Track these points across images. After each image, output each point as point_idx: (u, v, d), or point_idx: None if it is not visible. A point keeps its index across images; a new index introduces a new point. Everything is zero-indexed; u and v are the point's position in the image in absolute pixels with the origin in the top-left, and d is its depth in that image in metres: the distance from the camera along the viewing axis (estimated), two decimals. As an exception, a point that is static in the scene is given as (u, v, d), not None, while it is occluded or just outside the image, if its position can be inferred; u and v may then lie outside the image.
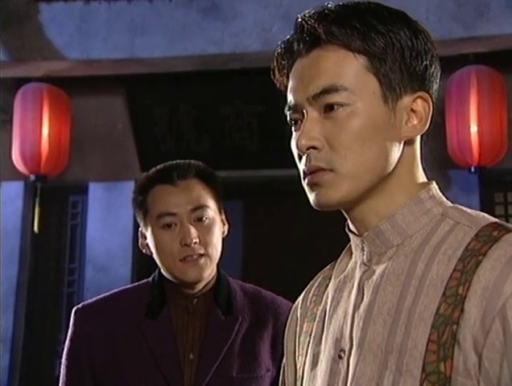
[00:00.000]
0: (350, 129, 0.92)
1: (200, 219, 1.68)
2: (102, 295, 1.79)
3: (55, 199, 4.78)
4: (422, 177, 1.00)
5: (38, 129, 4.22)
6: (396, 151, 0.95)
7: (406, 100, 0.95)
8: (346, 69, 0.93)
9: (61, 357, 1.73)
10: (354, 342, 0.94)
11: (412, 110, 0.95)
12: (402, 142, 0.96)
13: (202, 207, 1.68)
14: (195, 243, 1.65)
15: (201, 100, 4.46)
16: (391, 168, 0.95)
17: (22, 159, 4.23)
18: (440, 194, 0.99)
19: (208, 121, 4.49)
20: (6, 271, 4.56)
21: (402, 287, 0.92)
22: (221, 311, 1.72)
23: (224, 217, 1.77)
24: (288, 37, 0.99)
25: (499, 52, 3.88)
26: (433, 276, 0.90)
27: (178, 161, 1.76)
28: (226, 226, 1.78)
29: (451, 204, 0.98)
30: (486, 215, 0.96)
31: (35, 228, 4.37)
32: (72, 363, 1.70)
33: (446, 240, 0.92)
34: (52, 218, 4.79)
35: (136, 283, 1.83)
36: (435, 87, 0.99)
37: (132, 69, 4.27)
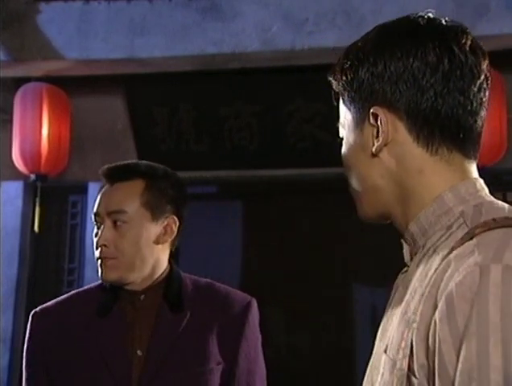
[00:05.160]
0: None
1: (115, 223, 1.70)
2: (61, 297, 1.82)
3: (55, 199, 4.78)
4: (453, 174, 0.98)
5: (37, 129, 4.22)
6: (373, 165, 1.01)
7: (368, 118, 1.01)
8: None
9: None
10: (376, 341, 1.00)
11: (372, 125, 1.00)
12: (381, 154, 1.00)
13: (117, 211, 1.70)
14: (103, 245, 1.68)
15: (201, 100, 4.47)
16: (379, 179, 1.01)
17: (22, 159, 4.23)
18: (474, 190, 0.97)
19: (207, 121, 4.49)
20: (6, 271, 4.56)
21: (407, 290, 0.94)
22: (170, 307, 1.72)
23: (169, 224, 1.75)
24: None
25: (499, 52, 3.87)
26: (423, 277, 0.91)
27: (129, 161, 1.81)
28: (169, 234, 1.75)
29: (482, 201, 0.96)
30: (508, 211, 0.93)
31: (35, 228, 4.38)
32: (28, 365, 1.74)
33: (446, 240, 0.92)
34: (52, 218, 4.79)
35: (94, 283, 1.84)
36: (392, 92, 0.99)
37: (131, 69, 4.27)
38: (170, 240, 1.76)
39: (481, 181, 1.01)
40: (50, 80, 4.32)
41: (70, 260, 4.80)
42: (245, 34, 4.00)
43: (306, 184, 4.59)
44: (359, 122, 1.02)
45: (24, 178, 4.50)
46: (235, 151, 4.50)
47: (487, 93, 1.02)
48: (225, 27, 4.03)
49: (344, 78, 1.03)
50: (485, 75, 1.01)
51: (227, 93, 4.41)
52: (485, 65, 1.01)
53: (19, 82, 4.39)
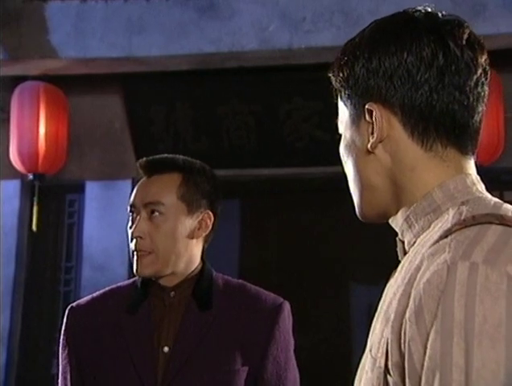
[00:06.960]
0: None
1: (151, 214, 1.69)
2: (96, 292, 1.82)
3: (53, 198, 4.78)
4: (446, 171, 0.96)
5: (35, 128, 4.22)
6: (369, 162, 0.99)
7: (363, 114, 1.00)
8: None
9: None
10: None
11: (368, 121, 0.98)
12: (376, 151, 0.98)
13: (154, 202, 1.69)
14: (139, 237, 1.68)
15: (198, 98, 4.46)
16: (375, 177, 0.99)
17: (20, 158, 4.23)
18: (464, 187, 0.96)
19: (205, 119, 4.49)
20: (4, 270, 4.56)
21: (392, 289, 0.92)
22: (198, 305, 1.71)
23: (204, 219, 1.74)
24: None
25: (495, 51, 3.87)
26: (405, 275, 0.89)
27: (166, 155, 1.79)
28: (203, 229, 1.75)
29: (470, 197, 0.94)
30: (491, 207, 0.91)
31: (33, 227, 4.37)
32: (62, 359, 1.75)
33: (431, 238, 0.90)
34: (49, 216, 4.79)
35: (128, 280, 1.84)
36: (387, 89, 0.97)
37: (129, 68, 4.27)
38: (204, 235, 1.76)
39: (474, 177, 0.98)
40: (47, 78, 4.31)
41: (67, 258, 4.80)
42: (242, 32, 4.00)
43: (304, 183, 4.59)
44: (355, 119, 1.00)
45: (21, 176, 4.50)
46: (233, 150, 4.50)
47: (485, 88, 1.00)
48: (223, 26, 4.03)
49: (340, 74, 1.02)
50: (483, 69, 0.99)
51: (224, 92, 4.41)
52: (482, 59, 0.99)
53: (17, 81, 4.39)
